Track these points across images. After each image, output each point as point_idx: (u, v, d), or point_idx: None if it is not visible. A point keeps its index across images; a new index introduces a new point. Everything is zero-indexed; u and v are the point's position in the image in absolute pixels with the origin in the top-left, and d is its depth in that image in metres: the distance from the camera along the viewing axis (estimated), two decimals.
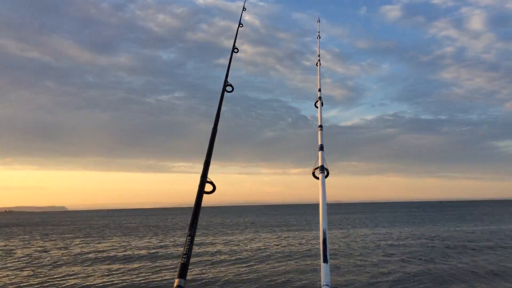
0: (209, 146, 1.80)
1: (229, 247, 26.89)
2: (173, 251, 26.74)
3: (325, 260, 1.30)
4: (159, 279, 16.83)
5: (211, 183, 1.69)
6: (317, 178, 1.71)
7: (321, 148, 1.83)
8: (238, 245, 28.71)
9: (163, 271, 18.48)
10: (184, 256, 1.30)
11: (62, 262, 22.19)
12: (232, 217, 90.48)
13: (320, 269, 1.30)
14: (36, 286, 15.79)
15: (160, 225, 64.37)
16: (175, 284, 1.25)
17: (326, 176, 1.69)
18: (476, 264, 18.58)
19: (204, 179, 1.65)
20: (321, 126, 1.96)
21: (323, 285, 1.25)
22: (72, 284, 16.12)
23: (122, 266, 20.28)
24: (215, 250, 25.00)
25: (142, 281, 16.30)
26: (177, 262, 21.49)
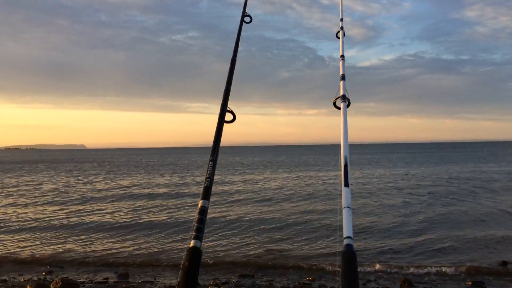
0: (228, 76, 1.81)
1: (249, 186, 27.38)
2: (194, 190, 27.47)
3: (346, 184, 1.36)
4: (182, 214, 17.44)
5: (231, 112, 1.71)
6: (338, 108, 1.73)
7: (343, 77, 1.83)
8: (258, 184, 29.25)
9: (186, 207, 19.16)
10: (207, 179, 1.37)
11: (88, 198, 23.13)
12: (249, 157, 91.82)
13: (341, 193, 1.35)
14: (64, 220, 16.57)
15: (178, 163, 65.96)
16: (200, 205, 1.32)
17: (348, 106, 1.70)
18: (502, 203, 18.59)
19: (224, 108, 1.67)
20: (342, 56, 1.94)
21: (344, 207, 1.30)
22: (98, 219, 16.85)
23: (146, 202, 21.06)
24: (234, 190, 25.50)
25: (166, 217, 16.95)
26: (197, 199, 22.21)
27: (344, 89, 1.75)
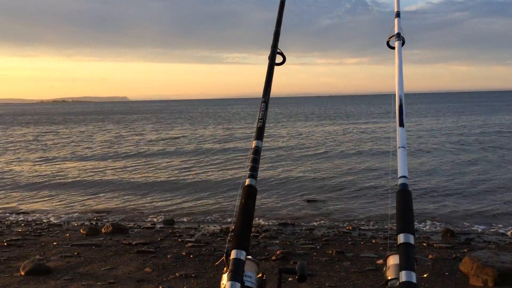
0: (278, 16, 1.77)
1: (298, 140, 26.62)
2: (241, 141, 27.74)
3: (401, 124, 1.33)
4: (233, 170, 17.76)
5: (281, 54, 1.68)
6: (392, 47, 1.66)
7: (398, 14, 1.75)
8: (305, 136, 28.67)
9: (236, 156, 19.50)
10: (260, 120, 1.37)
11: (140, 150, 23.90)
12: (291, 107, 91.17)
13: (396, 132, 1.32)
14: (119, 170, 17.28)
15: (221, 115, 66.62)
16: (253, 145, 1.33)
17: (402, 45, 1.64)
18: None
19: (274, 49, 1.65)
20: None
21: (398, 147, 1.27)
22: (150, 172, 17.46)
23: (195, 152, 21.56)
24: (283, 144, 25.08)
25: (218, 168, 17.35)
26: (244, 148, 22.48)
27: (399, 27, 1.68)
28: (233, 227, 1.20)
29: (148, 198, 11.98)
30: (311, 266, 5.79)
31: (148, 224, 9.30)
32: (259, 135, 1.33)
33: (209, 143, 25.68)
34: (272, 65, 1.58)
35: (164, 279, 5.31)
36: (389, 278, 1.14)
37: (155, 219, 9.81)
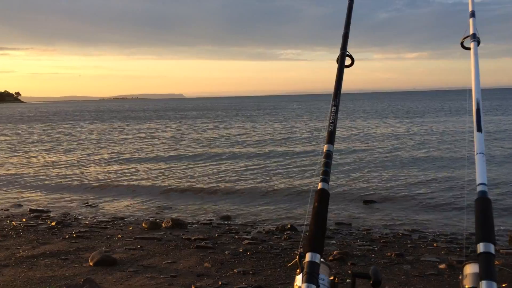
0: (346, 17, 1.77)
1: (358, 139, 25.91)
2: (302, 141, 27.70)
3: (479, 129, 1.29)
4: (300, 167, 17.81)
5: (350, 56, 1.68)
6: (467, 48, 1.61)
7: (473, 14, 1.70)
8: (365, 134, 27.81)
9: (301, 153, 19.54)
10: (331, 124, 1.38)
11: (202, 149, 24.52)
12: (348, 104, 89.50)
13: (474, 138, 1.28)
14: (183, 167, 17.82)
15: (278, 111, 66.78)
16: (325, 149, 1.35)
17: (478, 45, 1.59)
18: None
19: (344, 52, 1.65)
20: None
21: (477, 153, 1.24)
22: (214, 169, 17.85)
23: (257, 149, 21.81)
24: (344, 145, 24.48)
25: (284, 163, 17.46)
26: (306, 147, 22.45)
27: (475, 27, 1.63)
28: (305, 230, 1.22)
29: (207, 196, 12.26)
30: (356, 271, 5.70)
31: (206, 220, 9.52)
32: (331, 139, 1.35)
33: (270, 142, 25.73)
34: (341, 68, 1.58)
35: (223, 274, 5.43)
36: (467, 287, 1.12)
37: (212, 216, 10.02)
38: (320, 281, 1.16)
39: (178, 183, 13.99)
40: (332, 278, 1.21)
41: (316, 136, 26.16)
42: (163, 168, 16.88)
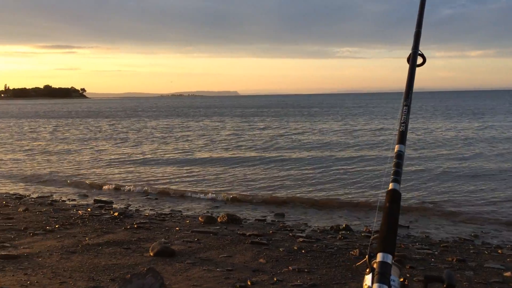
0: (418, 15, 1.73)
1: (426, 138, 24.69)
2: (373, 134, 27.27)
3: None
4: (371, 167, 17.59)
5: (422, 55, 1.65)
6: None
7: None
8: (433, 134, 26.69)
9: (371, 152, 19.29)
10: (402, 124, 1.36)
11: (267, 144, 24.75)
12: (414, 103, 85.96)
13: None
14: (239, 168, 18.06)
15: (337, 110, 65.91)
16: (396, 149, 1.34)
17: None
18: None
19: (415, 51, 1.62)
20: None
21: None
22: (278, 172, 17.97)
23: (316, 153, 21.73)
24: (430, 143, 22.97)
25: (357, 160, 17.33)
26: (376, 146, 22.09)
27: None
28: (376, 230, 1.21)
29: (262, 192, 12.36)
30: (429, 274, 5.52)
31: (260, 217, 9.60)
32: (402, 139, 1.34)
33: (330, 143, 25.51)
34: (413, 67, 1.56)
35: (278, 271, 5.47)
36: None
37: (266, 213, 10.08)
38: (391, 282, 1.15)
39: (233, 182, 13.95)
40: (402, 279, 1.20)
41: (378, 139, 25.35)
42: (220, 170, 16.33)
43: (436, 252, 6.70)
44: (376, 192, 11.65)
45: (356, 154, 18.96)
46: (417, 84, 1.58)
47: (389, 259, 1.16)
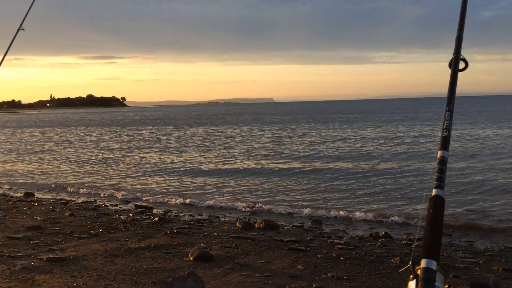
0: (460, 19, 1.72)
1: (474, 145, 23.54)
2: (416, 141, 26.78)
3: None
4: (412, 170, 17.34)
5: (464, 60, 1.64)
6: None
7: None
8: (479, 141, 25.54)
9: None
10: (445, 130, 1.36)
11: (308, 152, 24.74)
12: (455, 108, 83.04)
13: None
14: (276, 177, 18.09)
15: (376, 115, 64.95)
16: (439, 155, 1.33)
17: None
18: None
19: (457, 56, 1.61)
20: None
21: None
22: (321, 178, 17.94)
23: (359, 164, 21.51)
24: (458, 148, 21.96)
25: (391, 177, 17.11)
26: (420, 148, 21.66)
27: None
28: (418, 237, 1.21)
29: (298, 196, 12.32)
30: (475, 281, 5.35)
31: (297, 223, 9.57)
32: (445, 144, 1.33)
33: (373, 148, 25.18)
34: (455, 72, 1.55)
35: (316, 277, 5.44)
36: None
37: (304, 219, 10.04)
38: None
39: (272, 192, 13.67)
40: (447, 286, 1.20)
41: (419, 146, 24.66)
42: (260, 179, 15.96)
43: (481, 261, 6.49)
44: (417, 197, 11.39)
45: (399, 161, 18.59)
46: (458, 89, 1.56)
47: (434, 265, 1.16)
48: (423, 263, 1.16)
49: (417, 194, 12.03)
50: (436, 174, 1.28)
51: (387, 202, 11.51)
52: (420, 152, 21.31)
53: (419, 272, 1.16)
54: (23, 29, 6.47)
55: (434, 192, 1.27)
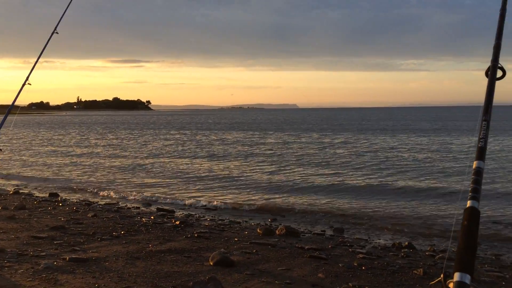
0: (498, 27, 1.66)
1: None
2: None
3: None
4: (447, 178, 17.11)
5: (502, 68, 1.59)
6: None
7: None
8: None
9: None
10: (481, 140, 1.32)
11: (342, 160, 24.62)
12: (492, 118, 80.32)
13: None
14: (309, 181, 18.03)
15: (400, 125, 64.15)
16: (475, 165, 1.29)
17: None
18: None
19: (495, 64, 1.57)
20: None
21: None
22: (342, 184, 17.82)
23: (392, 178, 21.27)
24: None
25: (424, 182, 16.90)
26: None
27: None
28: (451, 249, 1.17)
29: (324, 201, 12.22)
30: None
31: (319, 231, 9.48)
32: (481, 155, 1.29)
33: (409, 156, 24.84)
34: (492, 81, 1.50)
35: (337, 287, 5.36)
36: None
37: (325, 227, 9.94)
38: None
39: (301, 198, 13.43)
40: None
41: (452, 155, 24.06)
42: (285, 184, 15.81)
43: (507, 276, 6.30)
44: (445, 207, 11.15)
45: (431, 169, 18.29)
46: (494, 98, 1.51)
47: (468, 279, 1.11)
48: (457, 276, 1.12)
49: (448, 203, 11.79)
50: (471, 185, 1.24)
51: (415, 208, 11.31)
52: (452, 162, 20.88)
53: (451, 286, 1.12)
54: (57, 33, 6.63)
55: (468, 203, 1.22)
